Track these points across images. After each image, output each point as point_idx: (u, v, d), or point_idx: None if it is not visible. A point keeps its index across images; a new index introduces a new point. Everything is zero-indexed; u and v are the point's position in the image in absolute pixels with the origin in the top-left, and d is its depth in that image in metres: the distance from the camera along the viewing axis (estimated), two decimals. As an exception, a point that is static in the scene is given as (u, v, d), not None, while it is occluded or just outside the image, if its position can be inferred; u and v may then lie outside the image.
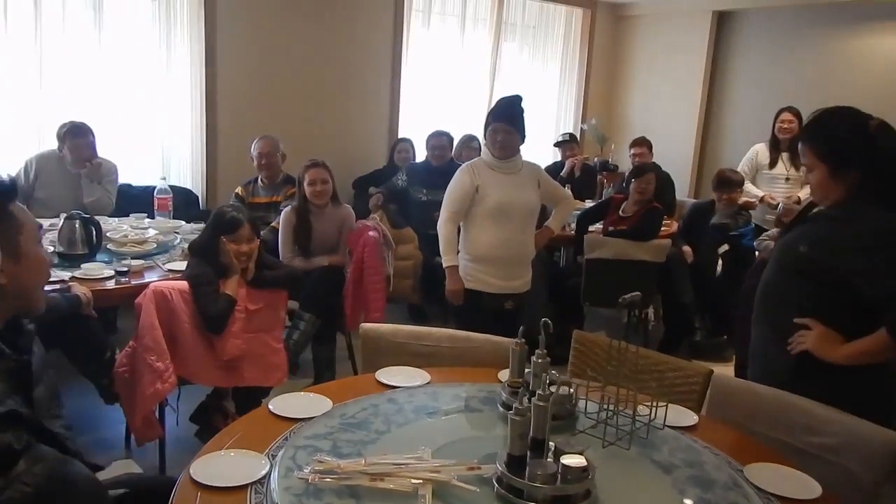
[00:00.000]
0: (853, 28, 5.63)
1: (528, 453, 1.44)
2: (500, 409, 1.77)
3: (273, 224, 4.05)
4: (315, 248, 3.78)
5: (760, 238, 3.94)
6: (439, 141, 4.94)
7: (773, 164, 4.90)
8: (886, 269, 1.81)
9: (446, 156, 4.96)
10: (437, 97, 6.14)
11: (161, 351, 2.58)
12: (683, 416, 1.85)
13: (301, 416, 1.71)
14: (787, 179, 4.86)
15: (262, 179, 4.26)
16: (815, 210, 2.13)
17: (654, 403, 1.72)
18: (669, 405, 1.78)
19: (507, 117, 3.18)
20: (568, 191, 4.00)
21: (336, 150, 3.99)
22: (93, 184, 3.98)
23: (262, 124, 4.63)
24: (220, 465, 1.47)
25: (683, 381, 2.14)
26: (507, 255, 3.23)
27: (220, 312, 2.70)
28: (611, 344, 1.79)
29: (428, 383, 1.96)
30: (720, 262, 4.52)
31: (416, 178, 4.87)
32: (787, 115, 4.81)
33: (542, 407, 1.45)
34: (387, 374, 1.97)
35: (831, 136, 1.95)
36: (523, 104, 3.25)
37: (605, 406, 1.71)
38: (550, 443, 1.45)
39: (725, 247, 4.46)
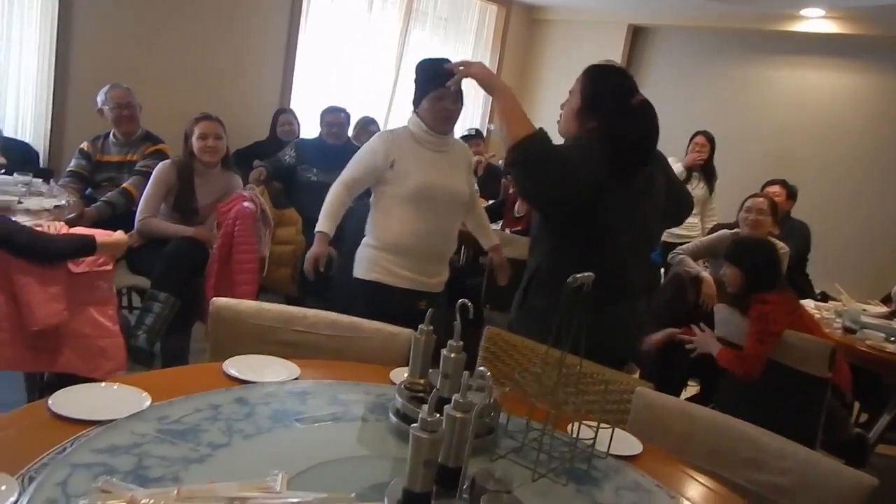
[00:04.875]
0: (764, 56, 5.67)
1: (434, 489, 0.96)
2: (394, 419, 1.27)
3: (126, 186, 3.37)
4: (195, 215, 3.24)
5: (674, 252, 3.69)
6: (336, 117, 4.41)
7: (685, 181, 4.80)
8: None
9: (343, 135, 4.44)
10: (336, 74, 5.60)
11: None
12: (626, 442, 1.44)
13: (95, 418, 1.14)
14: None
15: (115, 134, 3.56)
16: None
17: (598, 425, 1.29)
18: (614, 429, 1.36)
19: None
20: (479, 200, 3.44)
21: (213, 113, 3.42)
22: None
23: (124, 75, 3.90)
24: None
25: (618, 399, 1.73)
26: (425, 248, 2.61)
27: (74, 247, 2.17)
28: (547, 351, 1.35)
29: (295, 379, 1.44)
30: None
31: (306, 155, 4.31)
32: (700, 139, 4.82)
33: (459, 420, 0.98)
34: (238, 365, 1.43)
35: (598, 82, 2.01)
36: None
37: (544, 426, 1.25)
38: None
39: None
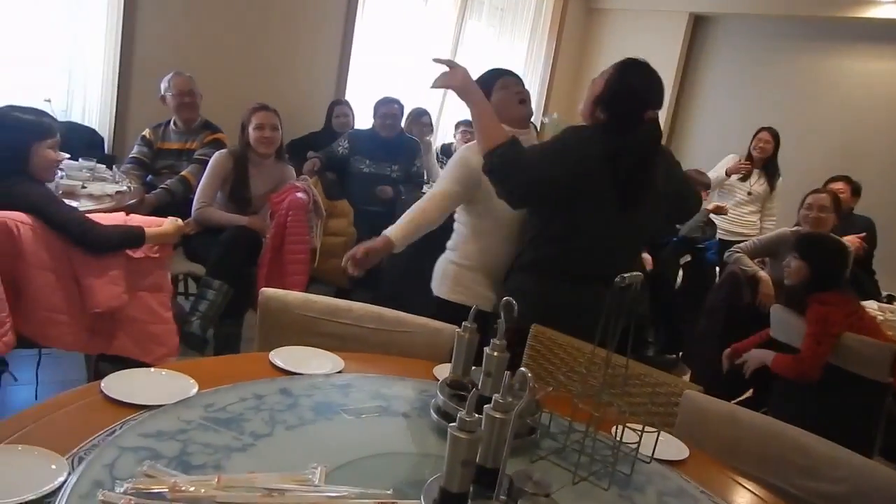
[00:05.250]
0: (831, 45, 5.43)
1: (472, 489, 0.95)
2: (435, 416, 1.27)
3: (184, 174, 3.46)
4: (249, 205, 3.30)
5: (731, 250, 3.58)
6: (390, 109, 4.42)
7: (744, 178, 4.76)
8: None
9: (396, 126, 4.46)
10: (391, 65, 5.61)
11: (-5, 300, 1.98)
12: (672, 446, 1.40)
13: (144, 403, 1.17)
14: (749, 194, 4.73)
15: (175, 122, 3.65)
16: None
17: (642, 428, 1.26)
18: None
19: (516, 75, 2.38)
20: None
21: (269, 103, 3.47)
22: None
23: (186, 64, 4.00)
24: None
25: (665, 401, 1.69)
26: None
27: (121, 238, 2.23)
28: (593, 350, 1.32)
29: (339, 372, 1.45)
30: (681, 273, 4.16)
31: (359, 146, 4.34)
32: (764, 135, 4.71)
33: (499, 421, 0.96)
34: (284, 356, 1.45)
35: (624, 80, 2.02)
36: None
37: (587, 427, 1.23)
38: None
39: (688, 257, 4.10)
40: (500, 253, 2.25)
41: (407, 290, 3.88)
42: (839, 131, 5.33)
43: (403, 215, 2.21)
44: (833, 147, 5.32)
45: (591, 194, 2.01)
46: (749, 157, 4.71)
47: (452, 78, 2.05)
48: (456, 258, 2.32)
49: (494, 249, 2.25)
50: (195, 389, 1.24)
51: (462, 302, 2.26)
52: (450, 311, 2.20)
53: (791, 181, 4.74)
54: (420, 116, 4.92)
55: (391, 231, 2.17)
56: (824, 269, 2.79)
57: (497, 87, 2.26)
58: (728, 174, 4.68)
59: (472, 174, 2.14)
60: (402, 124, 4.69)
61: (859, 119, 5.26)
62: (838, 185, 4.09)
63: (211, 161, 3.27)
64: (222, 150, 3.32)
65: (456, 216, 2.37)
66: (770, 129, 4.71)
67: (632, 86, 2.02)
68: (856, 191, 4.18)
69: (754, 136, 4.73)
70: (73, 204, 2.55)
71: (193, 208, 3.21)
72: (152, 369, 1.30)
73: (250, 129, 3.24)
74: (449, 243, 2.38)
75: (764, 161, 4.67)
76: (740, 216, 4.70)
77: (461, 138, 4.89)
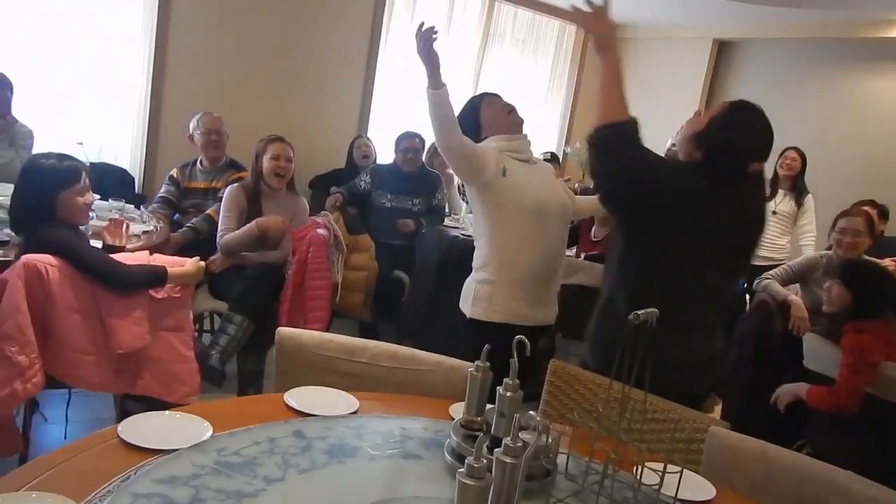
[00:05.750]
0: (853, 66, 5.38)
1: (483, 535, 0.93)
2: (448, 458, 1.25)
3: (209, 212, 3.52)
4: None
5: (760, 277, 3.50)
6: (412, 143, 4.45)
7: (770, 197, 4.65)
8: None
9: (418, 160, 4.48)
10: (411, 100, 5.68)
11: (25, 341, 2.02)
12: (697, 486, 1.36)
13: (159, 447, 1.17)
14: (774, 213, 4.64)
15: (202, 161, 3.73)
16: None
17: (664, 467, 1.23)
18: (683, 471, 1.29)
19: (497, 94, 2.46)
20: None
21: (294, 142, 3.50)
22: (2, 143, 3.40)
23: (213, 105, 4.09)
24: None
25: (689, 437, 1.64)
26: (545, 273, 2.33)
27: (145, 278, 2.24)
28: (611, 384, 1.29)
29: (354, 412, 1.44)
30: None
31: (381, 181, 4.38)
32: (791, 153, 4.67)
33: (510, 466, 0.94)
34: (299, 396, 1.44)
35: (732, 126, 1.84)
36: None
37: (605, 467, 1.20)
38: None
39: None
40: (529, 259, 2.27)
41: (429, 321, 3.88)
42: (864, 152, 5.25)
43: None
44: (862, 167, 5.23)
45: (674, 237, 1.82)
46: (775, 176, 4.65)
47: (597, 24, 1.88)
48: (485, 276, 2.30)
49: (524, 257, 2.27)
50: (209, 433, 1.24)
51: (502, 321, 2.27)
52: (485, 332, 2.23)
53: (820, 204, 4.66)
54: (442, 148, 4.95)
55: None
56: (868, 297, 2.71)
57: (484, 106, 2.36)
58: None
59: (495, 164, 2.20)
60: (424, 158, 4.73)
61: (884, 139, 5.17)
62: (865, 209, 4.00)
63: (225, 196, 3.30)
64: (234, 185, 3.34)
65: (473, 236, 2.42)
66: (796, 148, 4.66)
67: (737, 131, 1.82)
68: (883, 214, 4.09)
69: (780, 155, 4.68)
70: (99, 244, 2.61)
71: (218, 238, 3.23)
72: (167, 412, 1.30)
73: (265, 160, 3.27)
74: (474, 263, 2.37)
75: (792, 179, 4.62)
76: (767, 239, 4.60)
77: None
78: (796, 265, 3.54)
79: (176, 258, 2.50)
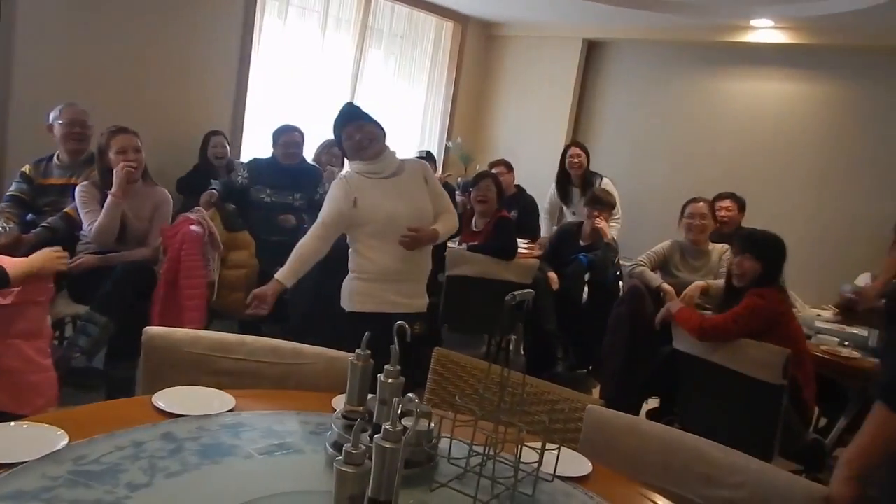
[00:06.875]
0: (716, 69, 5.75)
1: (364, 525, 0.91)
2: (329, 450, 1.21)
3: (67, 210, 3.25)
4: (125, 234, 3.07)
5: (633, 264, 3.69)
6: (291, 137, 4.31)
7: (564, 198, 5.01)
8: None
9: (298, 154, 4.35)
10: (292, 95, 5.53)
11: None
12: (575, 462, 1.40)
13: (3, 461, 1.06)
14: (573, 214, 4.94)
15: (59, 156, 3.43)
16: None
17: (542, 445, 1.25)
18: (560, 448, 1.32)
19: (355, 116, 2.75)
20: (452, 206, 3.13)
21: (161, 134, 3.28)
22: None
23: (70, 95, 3.78)
24: None
25: (567, 417, 1.69)
26: (409, 271, 2.72)
27: None
28: (489, 368, 1.30)
29: (230, 411, 1.37)
30: (586, 289, 4.25)
31: (259, 175, 4.22)
32: (575, 150, 4.92)
33: (389, 451, 0.92)
34: (168, 398, 1.36)
35: None
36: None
37: (485, 449, 1.20)
38: (400, 508, 0.93)
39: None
40: (390, 259, 2.65)
41: (316, 317, 3.79)
42: (726, 150, 5.63)
43: (293, 254, 2.59)
44: (721, 164, 5.60)
45: None
46: (565, 173, 4.91)
47: None
48: (356, 275, 2.70)
49: (378, 257, 2.65)
50: (64, 442, 1.14)
51: (375, 311, 2.63)
52: (363, 323, 2.13)
53: (683, 197, 4.93)
54: (331, 146, 4.83)
55: (279, 273, 2.55)
56: (776, 264, 2.89)
57: (344, 138, 2.71)
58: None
59: (345, 201, 2.62)
60: (314, 156, 4.60)
61: (744, 137, 5.55)
62: (725, 203, 4.28)
63: (79, 194, 3.05)
64: (85, 182, 3.10)
65: (349, 241, 2.74)
66: (579, 144, 4.99)
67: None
68: (741, 206, 4.41)
69: (564, 153, 4.92)
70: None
71: (89, 234, 2.99)
72: (13, 423, 1.18)
73: (111, 155, 3.03)
74: (349, 265, 2.73)
75: (581, 177, 4.87)
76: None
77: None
78: (659, 250, 3.77)
79: (16, 259, 2.19)
